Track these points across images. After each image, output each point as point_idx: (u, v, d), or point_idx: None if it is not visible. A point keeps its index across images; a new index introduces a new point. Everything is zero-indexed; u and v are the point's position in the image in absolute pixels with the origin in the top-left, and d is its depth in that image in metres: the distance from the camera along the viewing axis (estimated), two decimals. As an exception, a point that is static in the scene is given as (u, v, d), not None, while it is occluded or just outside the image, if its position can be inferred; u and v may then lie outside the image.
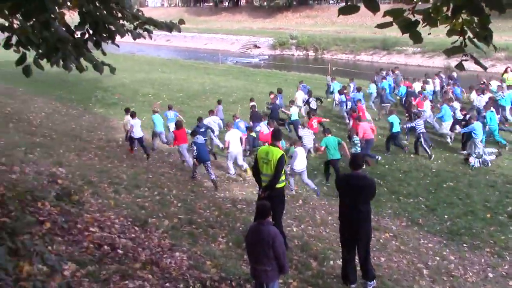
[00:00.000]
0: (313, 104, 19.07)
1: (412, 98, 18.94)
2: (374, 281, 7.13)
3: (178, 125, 14.36)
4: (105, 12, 4.81)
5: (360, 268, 7.13)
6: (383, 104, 20.23)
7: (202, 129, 14.17)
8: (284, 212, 8.66)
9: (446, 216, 10.93)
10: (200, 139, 12.93)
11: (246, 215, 10.12)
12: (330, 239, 9.38)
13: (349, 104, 19.28)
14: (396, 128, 15.62)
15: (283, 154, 7.88)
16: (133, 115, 15.13)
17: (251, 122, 16.47)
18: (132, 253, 6.20)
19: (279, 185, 7.88)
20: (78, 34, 5.00)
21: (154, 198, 10.23)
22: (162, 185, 11.49)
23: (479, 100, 18.42)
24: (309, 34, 56.90)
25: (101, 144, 15.82)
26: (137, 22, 5.21)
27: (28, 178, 8.35)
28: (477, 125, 14.30)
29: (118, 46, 5.52)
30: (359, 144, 14.16)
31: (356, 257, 7.12)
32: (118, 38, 5.25)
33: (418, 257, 8.89)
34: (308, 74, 33.89)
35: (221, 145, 15.59)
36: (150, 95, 25.26)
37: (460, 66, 3.30)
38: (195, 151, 12.66)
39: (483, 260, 8.95)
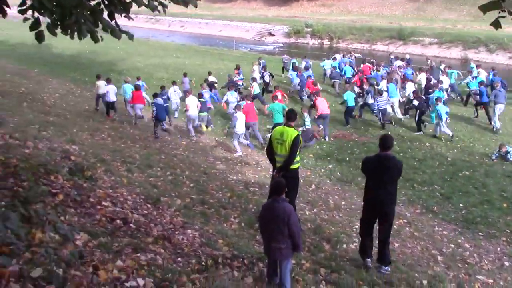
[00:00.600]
0: (267, 78, 21.50)
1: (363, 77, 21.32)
2: (389, 267, 7.03)
3: (137, 87, 16.77)
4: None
5: (377, 251, 7.02)
6: (333, 80, 23.21)
7: (164, 97, 16.07)
8: (297, 195, 8.57)
9: (461, 205, 10.78)
10: (159, 100, 15.07)
11: (258, 197, 10.03)
12: (343, 223, 9.27)
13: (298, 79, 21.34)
14: (351, 103, 17.39)
15: (298, 134, 7.76)
16: (108, 81, 17.56)
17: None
18: (144, 228, 6.15)
19: (293, 166, 7.76)
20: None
21: (166, 178, 10.19)
22: (175, 166, 11.45)
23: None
24: (325, 22, 56.40)
25: (114, 125, 15.84)
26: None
27: (41, 153, 8.33)
28: (440, 107, 15.52)
29: (132, 19, 5.41)
30: (308, 121, 15.30)
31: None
32: (133, 23, 5.18)
33: (432, 244, 8.76)
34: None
35: (175, 115, 18.18)
36: (164, 79, 25.13)
37: (496, 24, 3.12)
38: (154, 110, 14.84)
39: (499, 249, 8.81)
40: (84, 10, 4.51)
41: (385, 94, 17.53)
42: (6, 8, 4.54)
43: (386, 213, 6.73)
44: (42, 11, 4.43)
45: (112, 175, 8.84)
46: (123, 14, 5.16)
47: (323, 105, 16.02)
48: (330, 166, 13.50)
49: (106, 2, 4.92)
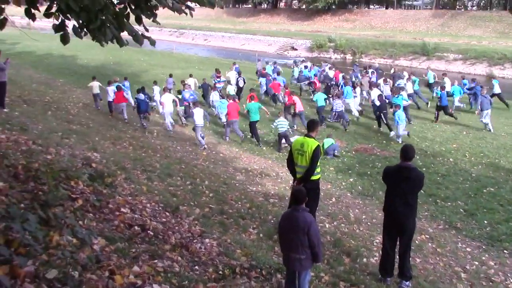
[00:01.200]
0: (241, 83, 23.91)
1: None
2: (410, 282, 6.87)
3: (118, 88, 19.05)
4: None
5: (398, 265, 6.87)
6: (299, 83, 26.56)
7: (146, 95, 18.45)
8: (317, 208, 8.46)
9: (486, 222, 10.50)
10: (141, 96, 17.87)
11: (278, 209, 9.94)
12: (364, 237, 9.11)
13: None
14: (320, 103, 19.41)
15: (318, 145, 7.67)
16: (109, 83, 19.88)
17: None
18: (162, 235, 6.11)
19: (314, 177, 7.67)
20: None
21: (186, 187, 10.17)
22: (195, 176, 11.43)
23: (385, 88, 22.00)
24: (348, 37, 56.32)
25: (136, 135, 15.94)
26: (178, -1, 5.09)
27: (63, 159, 8.37)
28: (399, 113, 16.87)
29: (159, 23, 5.41)
30: (282, 124, 16.08)
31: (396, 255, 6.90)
32: (158, 35, 5.19)
33: (455, 261, 8.54)
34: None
35: (161, 110, 19.35)
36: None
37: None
38: (136, 104, 18.20)
39: (525, 268, 8.53)
40: (109, 14, 4.53)
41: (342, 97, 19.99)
42: (34, 11, 4.56)
43: (405, 225, 6.60)
44: (68, 14, 4.47)
45: (132, 183, 8.85)
46: (151, 19, 5.16)
47: (298, 103, 18.65)
48: (351, 179, 13.35)
49: (133, 7, 4.93)
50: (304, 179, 7.61)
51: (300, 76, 26.60)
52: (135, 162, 11.15)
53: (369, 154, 15.69)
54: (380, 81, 23.07)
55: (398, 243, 6.85)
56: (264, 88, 24.05)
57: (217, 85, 23.05)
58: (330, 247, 8.12)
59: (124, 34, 4.98)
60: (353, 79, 25.25)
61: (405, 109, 18.52)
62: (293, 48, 57.96)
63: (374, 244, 8.68)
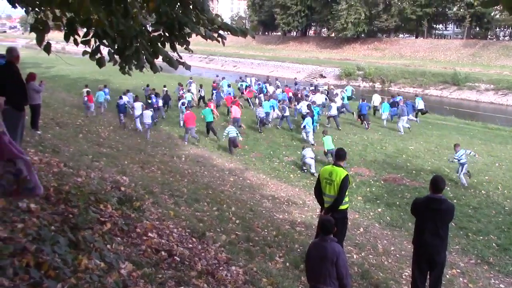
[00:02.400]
0: (202, 93, 30.09)
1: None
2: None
3: (88, 93, 23.77)
4: (181, 13, 4.80)
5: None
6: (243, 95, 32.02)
7: (124, 101, 22.78)
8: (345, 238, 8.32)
9: (520, 257, 10.18)
10: (121, 101, 22.46)
11: (304, 237, 9.83)
12: (393, 269, 8.91)
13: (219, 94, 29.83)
14: (266, 109, 23.78)
15: (347, 174, 7.59)
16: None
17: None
18: (188, 261, 6.08)
19: (342, 207, 7.58)
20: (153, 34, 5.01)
21: (212, 213, 10.16)
22: (222, 202, 11.42)
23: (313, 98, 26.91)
24: (377, 66, 56.24)
25: (164, 159, 16.07)
26: (212, 27, 5.16)
27: (92, 182, 8.46)
28: (307, 120, 20.33)
29: (191, 51, 5.48)
30: (231, 132, 19.01)
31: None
32: (189, 61, 5.26)
33: (488, 298, 8.26)
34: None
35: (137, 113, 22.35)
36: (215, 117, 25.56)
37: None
38: (116, 106, 22.64)
39: (562, 307, 8.19)
40: (144, 40, 4.63)
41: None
42: (76, 36, 4.69)
43: (436, 258, 6.42)
44: (104, 40, 4.58)
45: (160, 207, 8.88)
46: (184, 46, 5.24)
47: (235, 112, 22.62)
48: (380, 209, 13.12)
49: (167, 34, 5.02)
50: (332, 208, 7.52)
51: (241, 88, 33.43)
52: (163, 187, 11.22)
53: (398, 184, 15.44)
54: (317, 95, 28.54)
55: (428, 277, 6.68)
56: (215, 98, 28.57)
57: (184, 95, 27.81)
58: (358, 279, 7.97)
59: (158, 61, 5.08)
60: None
61: (335, 117, 24.28)
62: (321, 76, 58.12)
63: (403, 277, 8.47)
